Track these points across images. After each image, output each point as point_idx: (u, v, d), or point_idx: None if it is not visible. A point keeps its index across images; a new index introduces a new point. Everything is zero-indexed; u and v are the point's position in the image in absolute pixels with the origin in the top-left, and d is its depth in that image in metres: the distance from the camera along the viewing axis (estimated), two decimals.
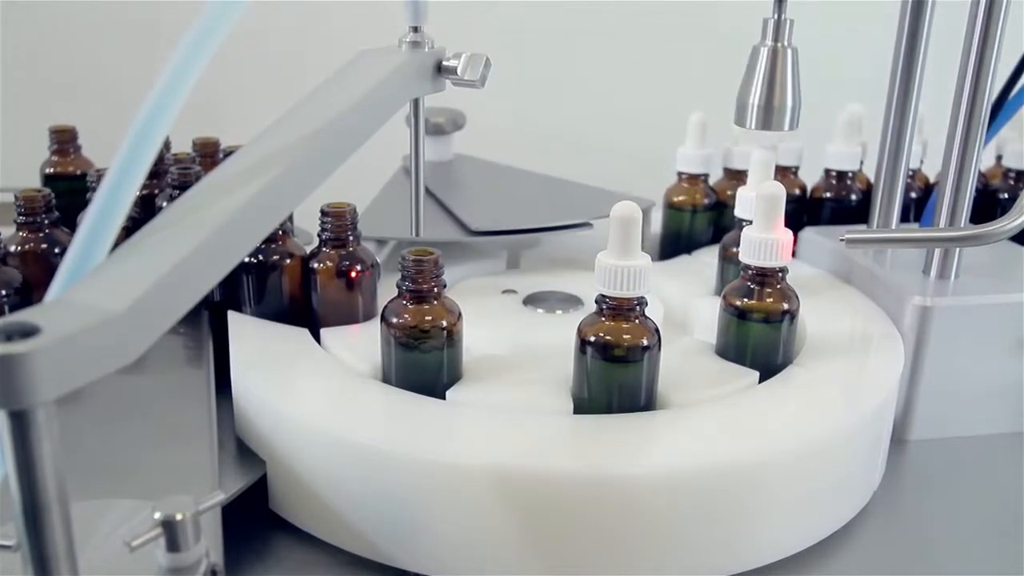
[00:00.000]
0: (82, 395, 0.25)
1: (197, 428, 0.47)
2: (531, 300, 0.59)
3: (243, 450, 0.48)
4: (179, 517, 0.33)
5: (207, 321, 0.58)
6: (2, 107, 0.96)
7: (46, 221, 0.56)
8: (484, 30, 0.87)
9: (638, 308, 0.44)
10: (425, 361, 0.47)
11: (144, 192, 0.64)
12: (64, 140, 0.68)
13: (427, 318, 0.47)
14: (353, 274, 0.54)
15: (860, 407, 0.46)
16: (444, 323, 0.47)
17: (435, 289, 0.47)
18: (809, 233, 0.67)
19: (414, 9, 0.45)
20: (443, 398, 0.46)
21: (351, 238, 0.54)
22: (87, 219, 0.31)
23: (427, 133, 0.53)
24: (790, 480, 0.43)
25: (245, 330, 0.53)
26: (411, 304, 0.47)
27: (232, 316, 0.55)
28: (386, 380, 0.48)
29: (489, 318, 0.55)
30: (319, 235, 0.54)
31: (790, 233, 0.49)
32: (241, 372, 0.49)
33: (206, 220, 0.31)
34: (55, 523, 0.25)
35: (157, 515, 0.33)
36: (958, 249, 0.57)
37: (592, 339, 0.44)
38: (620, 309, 0.44)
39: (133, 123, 0.32)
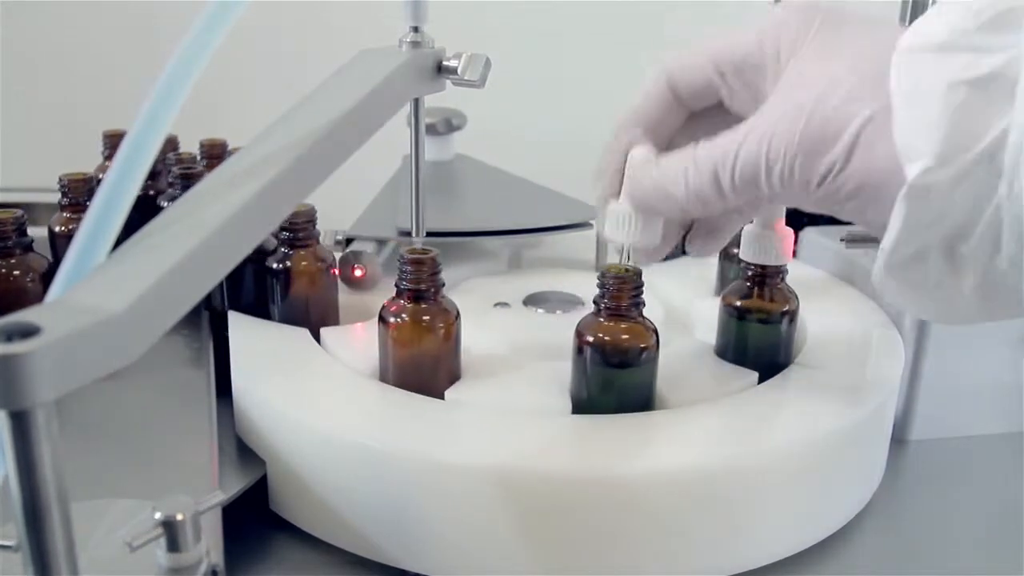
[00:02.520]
0: (82, 395, 0.25)
1: (197, 428, 0.47)
2: (531, 300, 0.59)
3: (243, 450, 0.48)
4: (179, 517, 0.33)
5: (207, 321, 0.58)
6: (2, 107, 0.96)
7: (17, 246, 0.55)
8: (484, 30, 0.87)
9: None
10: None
11: (144, 192, 0.64)
12: (118, 145, 0.68)
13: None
14: (438, 329, 0.47)
15: (860, 407, 0.46)
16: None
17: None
18: (809, 233, 0.67)
19: (414, 9, 0.45)
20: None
21: (432, 290, 0.47)
22: (87, 219, 0.31)
23: (427, 133, 0.53)
24: (790, 480, 0.43)
25: (245, 330, 0.53)
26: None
27: (232, 316, 0.55)
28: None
29: (489, 318, 0.55)
30: (397, 284, 0.47)
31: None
32: (241, 372, 0.49)
33: (206, 220, 0.31)
34: (55, 523, 0.25)
35: (157, 515, 0.33)
36: None
37: (739, 305, 0.49)
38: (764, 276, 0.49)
39: (134, 123, 0.32)
